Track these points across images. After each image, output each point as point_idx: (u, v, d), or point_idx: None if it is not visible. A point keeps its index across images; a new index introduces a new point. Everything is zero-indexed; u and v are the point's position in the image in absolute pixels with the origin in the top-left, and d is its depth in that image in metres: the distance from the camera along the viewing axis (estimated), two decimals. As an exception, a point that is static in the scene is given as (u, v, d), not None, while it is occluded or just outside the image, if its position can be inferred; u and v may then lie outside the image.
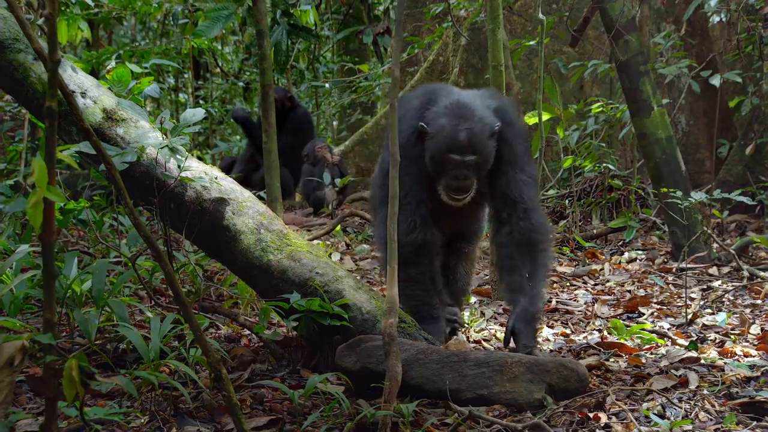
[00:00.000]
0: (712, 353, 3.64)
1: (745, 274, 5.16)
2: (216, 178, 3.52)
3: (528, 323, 3.54)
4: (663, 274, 5.47)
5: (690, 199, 4.60)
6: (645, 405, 2.97)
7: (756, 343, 3.85)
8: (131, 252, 4.04)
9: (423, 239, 3.63)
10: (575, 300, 4.90)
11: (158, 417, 2.85)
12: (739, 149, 7.02)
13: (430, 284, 3.69)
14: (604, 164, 6.87)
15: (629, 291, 5.10)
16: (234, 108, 10.76)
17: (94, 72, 6.96)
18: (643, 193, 7.10)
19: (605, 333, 4.05)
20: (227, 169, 8.57)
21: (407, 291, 3.56)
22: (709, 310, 4.48)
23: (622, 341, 3.86)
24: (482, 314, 4.46)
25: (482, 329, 4.16)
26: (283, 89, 8.96)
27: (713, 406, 2.95)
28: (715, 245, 5.59)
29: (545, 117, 6.75)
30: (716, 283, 5.10)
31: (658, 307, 4.62)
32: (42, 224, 2.13)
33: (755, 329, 4.07)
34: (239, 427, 2.43)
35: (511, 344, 3.59)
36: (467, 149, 3.53)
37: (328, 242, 6.30)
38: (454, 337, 3.78)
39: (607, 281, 5.37)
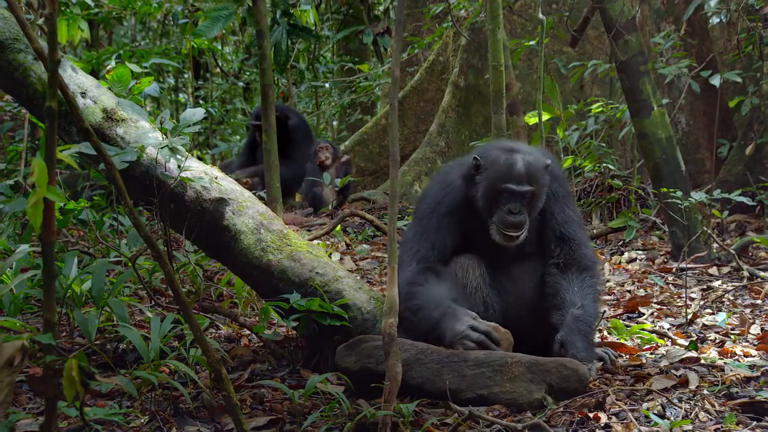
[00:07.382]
0: (712, 353, 3.64)
1: (745, 274, 5.15)
2: (216, 178, 3.52)
3: (579, 333, 3.28)
4: (663, 274, 5.46)
5: (690, 199, 4.59)
6: (645, 405, 2.97)
7: (756, 343, 3.85)
8: (131, 252, 4.04)
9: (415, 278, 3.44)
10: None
11: (158, 417, 2.85)
12: (739, 149, 7.01)
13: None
14: (604, 164, 6.86)
15: (629, 291, 5.09)
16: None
17: (94, 72, 6.97)
18: (643, 193, 7.09)
19: (605, 333, 4.05)
20: (225, 172, 8.53)
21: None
22: (709, 310, 4.48)
23: (622, 341, 3.86)
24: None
25: None
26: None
27: (713, 406, 2.95)
28: (715, 245, 5.59)
29: (545, 117, 6.75)
30: (716, 283, 5.09)
31: (658, 307, 4.62)
32: (42, 224, 2.13)
33: (755, 329, 4.07)
34: (239, 427, 2.43)
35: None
36: (524, 179, 3.40)
37: (328, 242, 6.30)
38: None
39: (607, 281, 5.37)
